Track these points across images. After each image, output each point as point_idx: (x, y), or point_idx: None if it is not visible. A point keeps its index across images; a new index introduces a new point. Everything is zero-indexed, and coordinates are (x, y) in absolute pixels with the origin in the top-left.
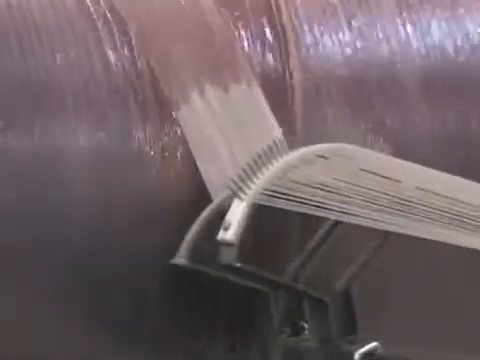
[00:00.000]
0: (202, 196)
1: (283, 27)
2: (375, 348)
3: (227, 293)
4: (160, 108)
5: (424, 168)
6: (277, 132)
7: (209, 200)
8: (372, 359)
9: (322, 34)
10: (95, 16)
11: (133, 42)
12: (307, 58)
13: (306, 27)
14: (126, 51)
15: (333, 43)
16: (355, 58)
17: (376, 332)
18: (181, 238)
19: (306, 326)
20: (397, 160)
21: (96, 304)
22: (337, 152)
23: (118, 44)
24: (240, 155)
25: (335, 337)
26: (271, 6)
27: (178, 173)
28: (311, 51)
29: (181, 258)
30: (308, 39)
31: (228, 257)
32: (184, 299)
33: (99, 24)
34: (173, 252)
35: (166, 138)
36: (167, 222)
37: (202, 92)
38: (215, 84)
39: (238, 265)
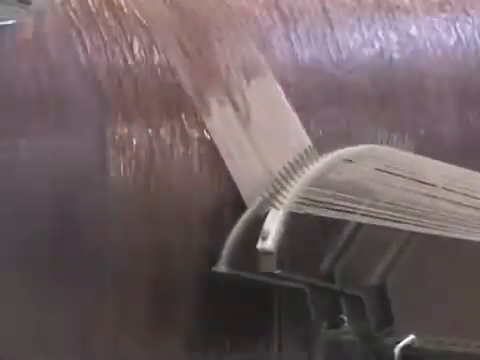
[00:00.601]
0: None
1: None
2: (412, 341)
3: (267, 291)
4: (171, 112)
5: (453, 167)
6: (305, 137)
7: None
8: (410, 352)
9: None
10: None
11: (146, 45)
12: None
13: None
14: (139, 54)
15: None
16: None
17: (410, 324)
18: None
19: (345, 319)
20: (425, 159)
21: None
22: (365, 154)
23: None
24: (270, 157)
25: (373, 331)
26: None
27: (194, 174)
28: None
29: (222, 265)
30: None
31: (267, 265)
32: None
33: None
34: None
35: (178, 140)
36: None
37: (229, 96)
38: (239, 85)
39: (277, 272)
